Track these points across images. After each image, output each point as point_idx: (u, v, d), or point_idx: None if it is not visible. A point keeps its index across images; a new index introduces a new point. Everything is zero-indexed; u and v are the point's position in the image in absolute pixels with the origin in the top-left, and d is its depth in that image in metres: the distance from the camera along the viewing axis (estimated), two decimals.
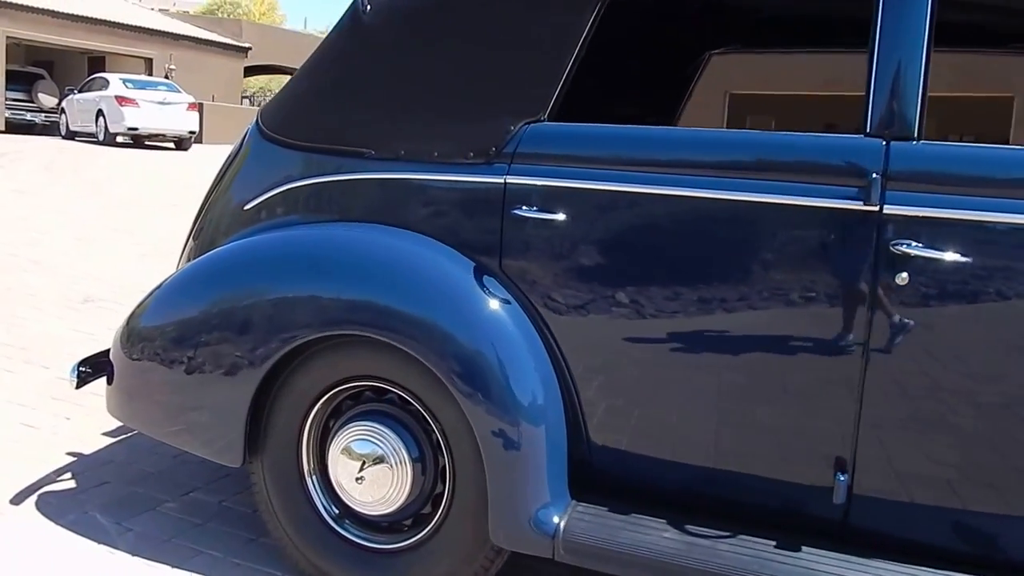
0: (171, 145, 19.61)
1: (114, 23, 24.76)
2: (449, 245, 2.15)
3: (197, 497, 2.92)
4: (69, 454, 3.21)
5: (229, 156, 2.67)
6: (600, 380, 2.07)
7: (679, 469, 2.05)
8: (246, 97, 32.90)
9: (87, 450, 3.26)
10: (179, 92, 19.76)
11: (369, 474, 2.20)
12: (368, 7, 2.30)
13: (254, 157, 2.54)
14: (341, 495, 2.26)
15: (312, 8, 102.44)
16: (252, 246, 2.38)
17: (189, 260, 2.69)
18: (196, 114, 19.61)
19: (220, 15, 34.35)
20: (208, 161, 17.76)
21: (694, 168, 1.96)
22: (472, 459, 2.10)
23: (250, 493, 2.89)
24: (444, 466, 2.19)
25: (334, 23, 2.43)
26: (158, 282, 2.63)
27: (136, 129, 18.58)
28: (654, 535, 1.95)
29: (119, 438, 3.40)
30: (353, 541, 2.28)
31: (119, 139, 18.99)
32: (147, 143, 19.40)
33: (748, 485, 1.99)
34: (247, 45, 30.03)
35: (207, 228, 2.65)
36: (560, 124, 2.10)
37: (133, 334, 2.51)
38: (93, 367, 2.72)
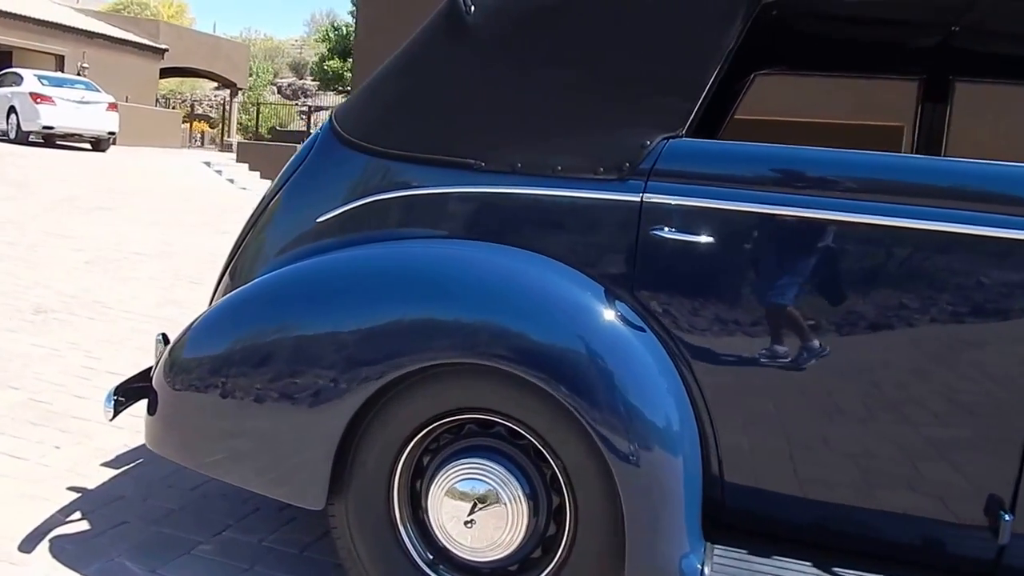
0: (87, 146, 18.67)
1: (24, 17, 23.49)
2: (572, 267, 1.97)
3: (232, 537, 2.64)
4: (71, 489, 2.87)
5: (291, 164, 2.41)
6: (738, 414, 1.92)
7: (820, 507, 1.92)
8: (158, 99, 31.79)
9: (89, 483, 2.92)
10: (99, 92, 18.82)
11: (481, 517, 1.99)
12: (472, 6, 2.10)
13: (331, 165, 2.29)
14: (441, 539, 2.05)
15: (222, 11, 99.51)
16: (341, 263, 2.14)
17: (237, 276, 2.42)
18: (116, 115, 18.70)
19: (127, 14, 33.02)
20: (128, 162, 17.07)
21: (858, 192, 1.84)
22: (599, 499, 1.92)
23: (290, 531, 2.67)
24: (558, 506, 2.00)
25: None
26: (205, 301, 2.37)
27: (51, 128, 17.59)
28: None
29: (122, 469, 3.07)
30: None
31: (32, 138, 17.95)
32: (59, 143, 18.41)
33: (896, 524, 1.88)
34: (164, 46, 28.98)
35: (262, 243, 2.39)
36: (703, 140, 1.96)
37: (188, 361, 2.24)
38: (127, 394, 2.44)
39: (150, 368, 2.72)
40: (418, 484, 2.10)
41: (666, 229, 1.91)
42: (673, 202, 1.91)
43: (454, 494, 2.00)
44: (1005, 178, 1.80)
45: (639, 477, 1.84)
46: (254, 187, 17.98)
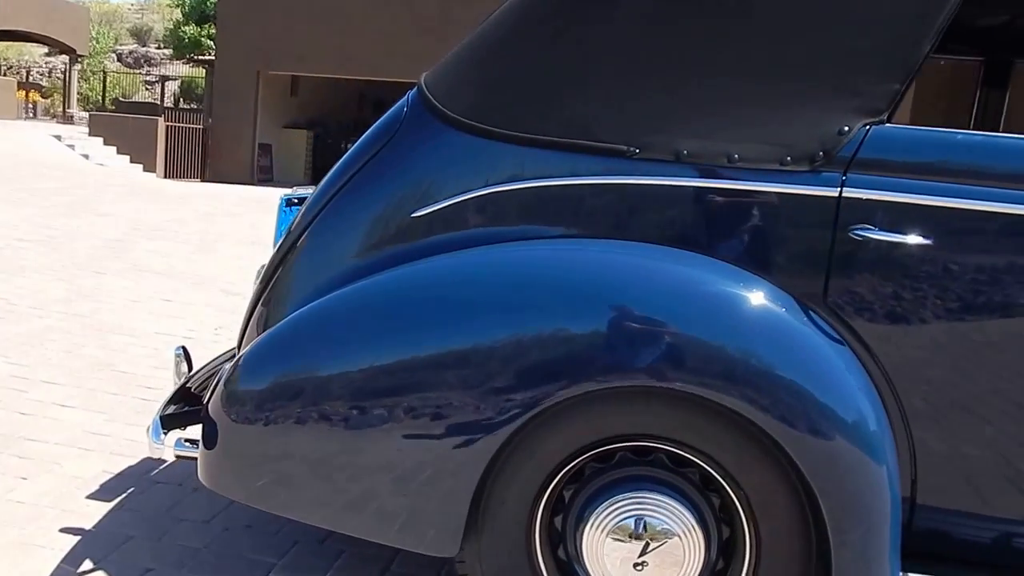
0: None
1: None
2: (751, 272, 1.74)
3: None
4: (67, 531, 2.40)
5: (366, 147, 2.03)
6: (941, 438, 1.75)
7: (1012, 526, 1.79)
8: None
9: (84, 522, 2.46)
10: None
11: (654, 557, 1.74)
12: None
13: (431, 149, 1.93)
14: None
15: None
16: (474, 268, 1.81)
17: (296, 283, 2.04)
18: None
19: None
20: None
21: None
22: (787, 530, 1.72)
23: (347, 568, 2.33)
24: (726, 538, 1.79)
25: None
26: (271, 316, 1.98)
27: None
28: None
29: (114, 501, 2.61)
30: None
31: None
32: None
33: None
34: None
35: (334, 243, 2.01)
36: (914, 127, 1.74)
37: (270, 388, 1.85)
38: (171, 424, 2.04)
39: (185, 388, 2.30)
40: (557, 521, 1.83)
41: (869, 228, 1.70)
42: (878, 197, 1.69)
43: (621, 533, 1.74)
44: None
45: (850, 507, 1.65)
46: (113, 163, 16.65)
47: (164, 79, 28.39)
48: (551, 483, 1.80)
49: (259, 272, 2.59)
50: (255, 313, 2.13)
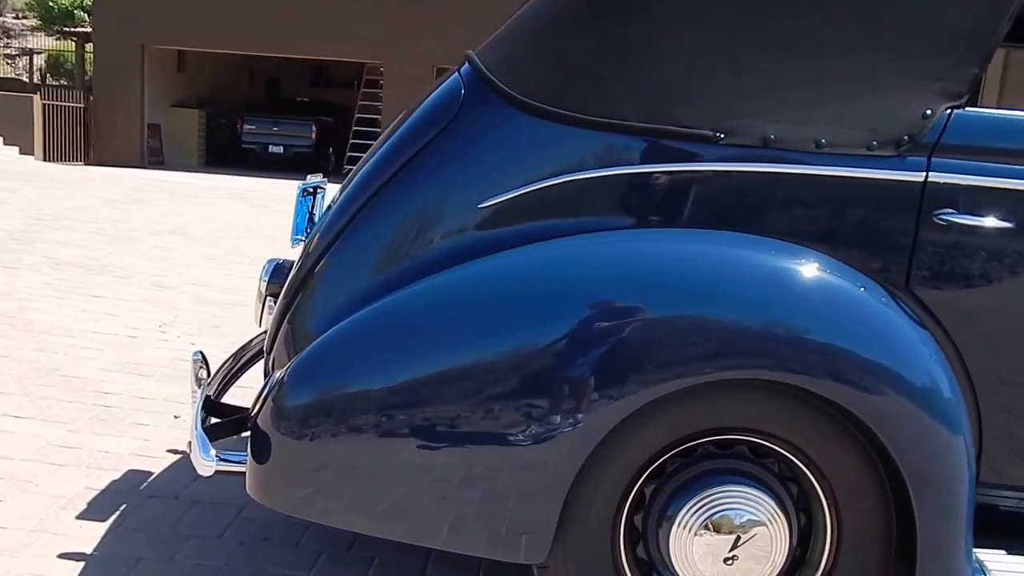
0: None
1: None
2: (835, 257, 1.72)
3: None
4: (66, 557, 2.19)
5: (416, 131, 1.90)
6: (1010, 417, 1.79)
7: None
8: None
9: (83, 546, 2.25)
10: None
11: (745, 551, 1.71)
12: None
13: (501, 136, 1.81)
14: None
15: None
16: (559, 260, 1.73)
17: (344, 278, 1.90)
18: None
19: None
20: None
21: None
22: (870, 517, 1.72)
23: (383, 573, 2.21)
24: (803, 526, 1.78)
25: None
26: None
27: None
28: None
29: (108, 520, 2.40)
30: None
31: None
32: None
33: None
34: None
35: (387, 237, 1.87)
36: (994, 111, 1.75)
37: (338, 395, 1.72)
38: (216, 435, 1.88)
39: (219, 401, 2.12)
40: (637, 520, 1.78)
41: (953, 213, 1.70)
42: (964, 182, 1.70)
43: (712, 529, 1.70)
44: None
45: (938, 494, 1.65)
46: None
47: (31, 52, 26.49)
48: (637, 481, 1.74)
49: (266, 268, 2.42)
50: (290, 315, 1.97)
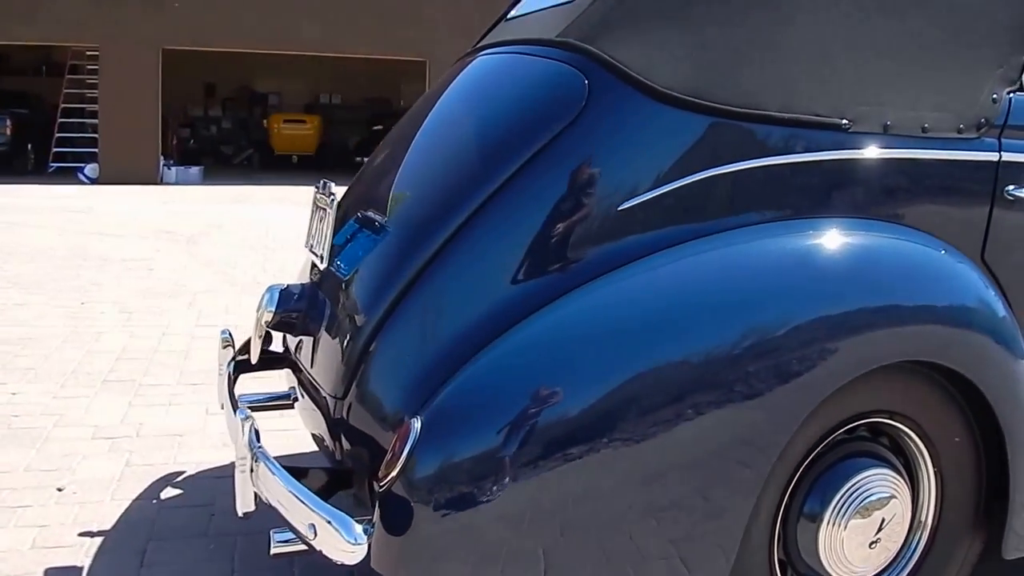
0: None
1: None
2: (935, 237, 1.81)
3: None
4: None
5: (521, 137, 1.74)
6: None
7: None
8: None
9: None
10: None
11: (886, 531, 1.76)
12: None
13: (639, 130, 1.69)
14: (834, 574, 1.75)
15: None
16: (735, 260, 1.66)
17: (465, 291, 1.71)
18: None
19: None
20: None
21: None
22: (967, 481, 1.85)
23: None
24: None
25: None
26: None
27: None
28: None
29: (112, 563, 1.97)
30: None
31: None
32: None
33: None
34: None
35: (517, 244, 1.68)
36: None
37: (491, 449, 1.48)
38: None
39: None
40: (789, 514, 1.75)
41: (1019, 188, 1.85)
42: (1021, 159, 1.85)
43: (859, 517, 1.72)
44: None
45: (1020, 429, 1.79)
46: None
47: None
48: (791, 483, 1.71)
49: (268, 297, 2.11)
50: (381, 350, 1.73)
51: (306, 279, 2.27)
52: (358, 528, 1.50)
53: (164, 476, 2.80)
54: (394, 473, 1.51)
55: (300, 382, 2.18)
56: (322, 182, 2.25)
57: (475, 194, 1.73)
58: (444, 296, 1.70)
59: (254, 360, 2.25)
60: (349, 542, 1.48)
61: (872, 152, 1.77)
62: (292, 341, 2.24)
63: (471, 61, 2.29)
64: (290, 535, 1.65)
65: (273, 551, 1.65)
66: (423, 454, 1.50)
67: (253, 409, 2.07)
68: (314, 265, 2.21)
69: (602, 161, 1.69)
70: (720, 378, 1.55)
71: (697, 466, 1.55)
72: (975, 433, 1.81)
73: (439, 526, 1.50)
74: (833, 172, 1.77)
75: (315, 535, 1.54)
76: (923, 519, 1.84)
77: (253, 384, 2.46)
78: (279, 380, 2.42)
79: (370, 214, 2.03)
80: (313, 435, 2.21)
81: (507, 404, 1.52)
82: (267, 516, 2.16)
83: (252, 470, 1.76)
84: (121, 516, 2.52)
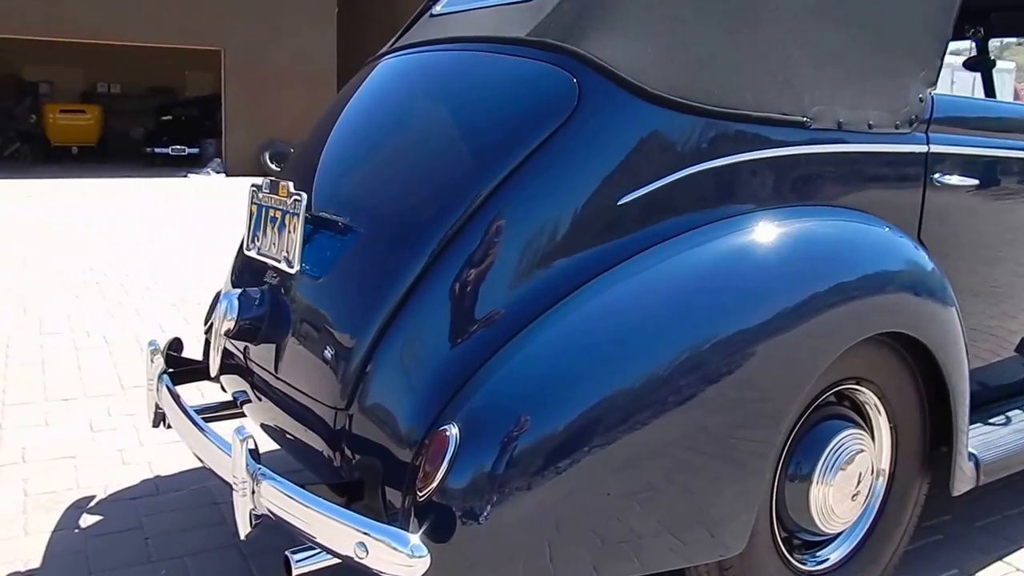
0: None
1: None
2: (884, 219, 2.03)
3: None
4: None
5: (514, 137, 1.75)
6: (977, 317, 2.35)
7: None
8: None
9: None
10: None
11: (863, 485, 1.97)
12: None
13: (631, 129, 1.75)
14: (823, 528, 1.95)
15: None
16: (731, 250, 1.77)
17: (476, 294, 1.70)
18: None
19: None
20: None
21: None
22: (916, 426, 2.09)
23: None
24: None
25: None
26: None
27: None
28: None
29: None
30: (816, 572, 2.01)
31: None
32: None
33: None
34: None
35: (524, 242, 1.71)
36: (952, 95, 2.19)
37: (532, 451, 1.51)
38: None
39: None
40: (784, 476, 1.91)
41: (944, 175, 2.14)
42: (946, 150, 2.14)
43: (843, 473, 1.91)
44: None
45: (964, 396, 2.08)
46: None
47: None
48: (784, 449, 1.87)
49: (228, 305, 2.00)
50: (379, 353, 1.71)
51: (249, 284, 2.14)
52: (415, 540, 1.47)
53: (75, 503, 2.58)
54: (436, 482, 1.51)
55: (254, 385, 2.11)
56: (264, 181, 2.15)
57: (470, 196, 1.73)
58: (450, 299, 1.69)
59: (214, 372, 2.13)
60: (408, 555, 1.45)
61: (830, 147, 1.97)
62: (236, 346, 2.14)
63: (407, 58, 2.26)
64: (310, 554, 1.60)
65: (296, 573, 1.60)
66: (465, 460, 1.51)
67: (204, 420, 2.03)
68: (270, 269, 2.09)
69: (598, 160, 1.75)
70: (736, 362, 1.67)
71: (727, 436, 1.67)
72: (921, 389, 2.07)
73: (489, 527, 1.50)
74: (800, 165, 1.95)
75: (367, 553, 1.49)
76: (883, 468, 2.08)
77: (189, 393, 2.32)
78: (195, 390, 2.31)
79: (338, 217, 1.97)
80: (269, 432, 2.15)
81: (542, 405, 1.56)
82: (205, 533, 2.06)
83: (254, 492, 1.69)
84: (47, 551, 2.29)
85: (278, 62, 15.23)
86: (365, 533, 1.50)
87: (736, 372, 1.66)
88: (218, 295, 2.62)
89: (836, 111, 1.96)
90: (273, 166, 14.83)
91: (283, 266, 1.99)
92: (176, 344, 2.37)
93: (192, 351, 2.43)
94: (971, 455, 2.11)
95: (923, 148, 2.11)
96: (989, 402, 2.43)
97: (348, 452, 1.75)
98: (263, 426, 2.19)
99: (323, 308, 1.90)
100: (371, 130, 2.17)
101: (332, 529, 1.54)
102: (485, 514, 1.49)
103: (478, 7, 2.23)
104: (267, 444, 2.05)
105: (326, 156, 2.21)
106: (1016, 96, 21.13)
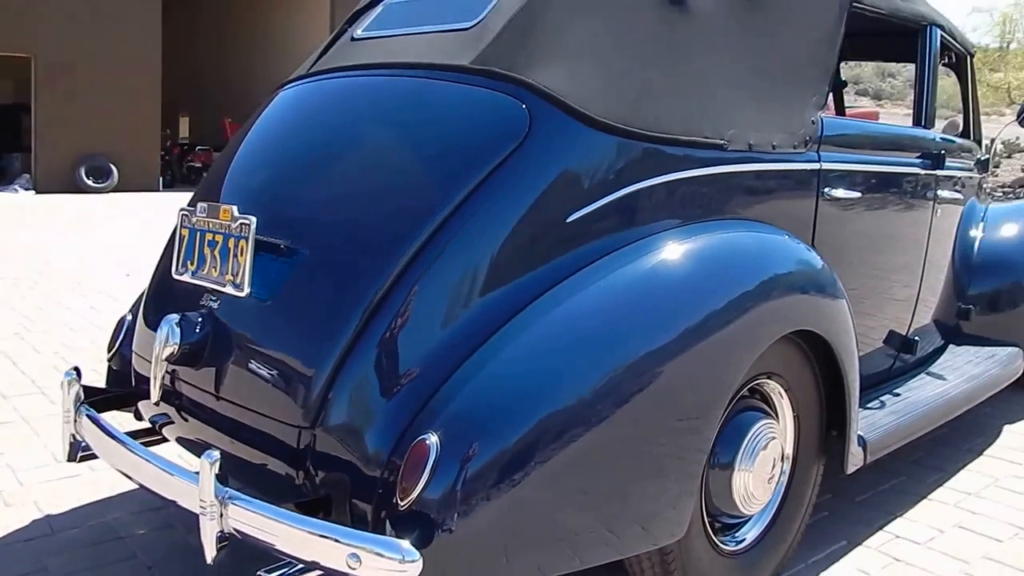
0: None
1: None
2: (780, 229, 2.25)
3: None
4: None
5: (467, 162, 1.86)
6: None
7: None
8: None
9: None
10: None
11: (776, 470, 2.18)
12: None
13: (576, 151, 1.90)
14: (744, 511, 2.13)
15: None
16: (670, 261, 1.94)
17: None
18: None
19: None
20: None
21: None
22: (813, 413, 2.32)
23: None
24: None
25: None
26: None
27: None
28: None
29: None
30: (737, 551, 2.19)
31: None
32: None
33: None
34: None
35: (482, 258, 1.81)
36: (835, 117, 2.47)
37: (505, 451, 1.62)
38: None
39: None
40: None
41: (832, 189, 2.42)
42: (834, 167, 2.43)
43: (760, 459, 2.10)
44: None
45: (855, 384, 2.34)
46: None
47: None
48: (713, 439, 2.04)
49: (169, 330, 1.98)
50: (344, 372, 1.75)
51: (181, 308, 2.06)
52: (406, 545, 1.52)
53: None
54: (419, 489, 1.58)
55: (184, 409, 2.08)
56: (200, 205, 2.10)
57: (433, 216, 1.81)
58: (415, 315, 1.76)
59: (155, 399, 2.06)
60: (399, 561, 1.50)
61: (743, 166, 2.20)
62: (155, 370, 2.07)
63: (340, 81, 2.29)
64: (282, 571, 1.63)
65: None
66: (447, 466, 1.59)
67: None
68: (208, 293, 2.05)
69: (549, 180, 1.88)
70: (675, 369, 1.83)
71: (671, 434, 1.84)
72: (819, 380, 2.30)
73: (474, 525, 1.59)
74: (720, 182, 2.16)
75: (360, 563, 1.53)
76: (788, 453, 2.30)
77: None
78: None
79: (285, 240, 1.96)
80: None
81: (514, 411, 1.67)
82: (117, 569, 2.01)
83: (222, 515, 1.68)
84: None
85: (96, 72, 14.32)
86: (357, 544, 1.53)
87: (676, 378, 1.82)
88: (121, 321, 2.53)
89: (747, 134, 2.19)
90: (91, 182, 13.95)
91: (229, 290, 1.97)
92: (77, 373, 2.27)
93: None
94: (860, 438, 2.37)
95: (816, 165, 2.38)
96: (864, 389, 2.73)
97: (313, 469, 1.77)
98: (189, 448, 2.16)
99: (280, 329, 1.90)
100: (313, 154, 2.17)
101: (323, 545, 1.56)
102: (468, 516, 1.57)
103: (407, 33, 2.29)
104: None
105: (265, 180, 2.19)
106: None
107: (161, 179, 14.94)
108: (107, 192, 13.88)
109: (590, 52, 2.01)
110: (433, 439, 1.61)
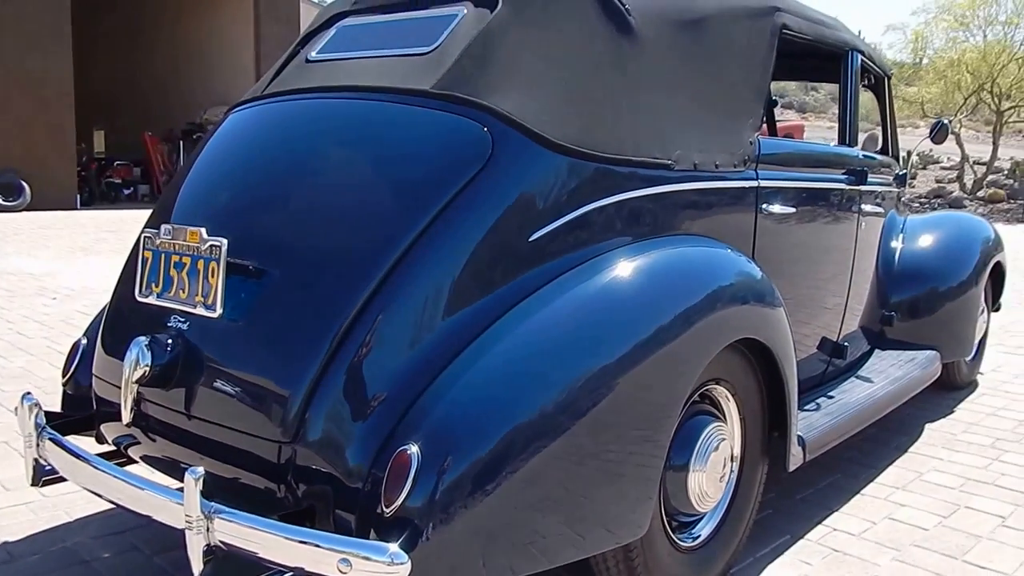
0: None
1: None
2: (724, 243, 2.41)
3: None
4: None
5: (431, 186, 1.94)
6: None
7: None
8: None
9: None
10: None
11: (727, 469, 2.32)
12: (628, 9, 2.18)
13: (535, 173, 2.00)
14: (698, 508, 2.26)
15: None
16: (629, 274, 2.06)
17: (407, 321, 1.86)
18: None
19: None
20: None
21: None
22: (757, 416, 2.47)
23: None
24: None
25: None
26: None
27: None
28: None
29: None
30: (693, 547, 2.31)
31: None
32: None
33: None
34: None
35: (449, 279, 1.90)
36: (769, 138, 2.64)
37: (485, 459, 1.72)
38: None
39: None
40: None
41: (769, 205, 2.57)
42: (770, 184, 2.59)
43: (714, 461, 2.23)
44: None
45: (794, 387, 2.50)
46: None
47: None
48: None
49: (139, 352, 2.01)
50: (322, 387, 1.82)
51: (146, 331, 2.07)
52: (394, 548, 1.59)
53: None
54: (402, 498, 1.66)
55: (151, 429, 2.10)
56: (165, 227, 2.13)
57: (403, 235, 1.89)
58: (389, 331, 1.83)
59: (126, 421, 2.07)
60: (388, 564, 1.57)
61: (689, 184, 2.34)
62: (125, 392, 2.09)
63: (297, 104, 2.35)
64: None
65: None
66: (427, 476, 1.67)
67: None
68: (175, 315, 2.07)
69: (512, 201, 1.98)
70: (636, 376, 1.95)
71: (631, 441, 1.95)
72: (761, 384, 2.45)
73: (454, 530, 1.68)
74: (667, 200, 2.29)
75: (350, 568, 1.59)
76: (736, 454, 2.43)
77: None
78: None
79: (254, 261, 2.00)
80: (167, 472, 2.15)
81: (485, 424, 1.76)
82: None
83: (208, 529, 1.72)
84: None
85: (2, 85, 13.81)
86: (347, 550, 1.60)
87: (634, 388, 1.94)
88: (76, 345, 2.51)
89: (692, 155, 2.33)
90: (0, 200, 13.40)
91: (200, 311, 2.00)
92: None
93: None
94: (799, 438, 2.53)
95: (755, 183, 2.54)
96: (800, 393, 2.90)
97: (295, 483, 1.82)
98: (158, 467, 2.19)
99: (255, 348, 1.94)
100: (278, 177, 2.20)
101: (313, 552, 1.62)
102: (448, 522, 1.66)
103: (363, 56, 2.35)
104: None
105: (230, 202, 2.22)
106: None
107: (79, 196, 14.41)
108: (19, 211, 13.30)
109: (545, 78, 2.12)
110: (414, 449, 1.69)
